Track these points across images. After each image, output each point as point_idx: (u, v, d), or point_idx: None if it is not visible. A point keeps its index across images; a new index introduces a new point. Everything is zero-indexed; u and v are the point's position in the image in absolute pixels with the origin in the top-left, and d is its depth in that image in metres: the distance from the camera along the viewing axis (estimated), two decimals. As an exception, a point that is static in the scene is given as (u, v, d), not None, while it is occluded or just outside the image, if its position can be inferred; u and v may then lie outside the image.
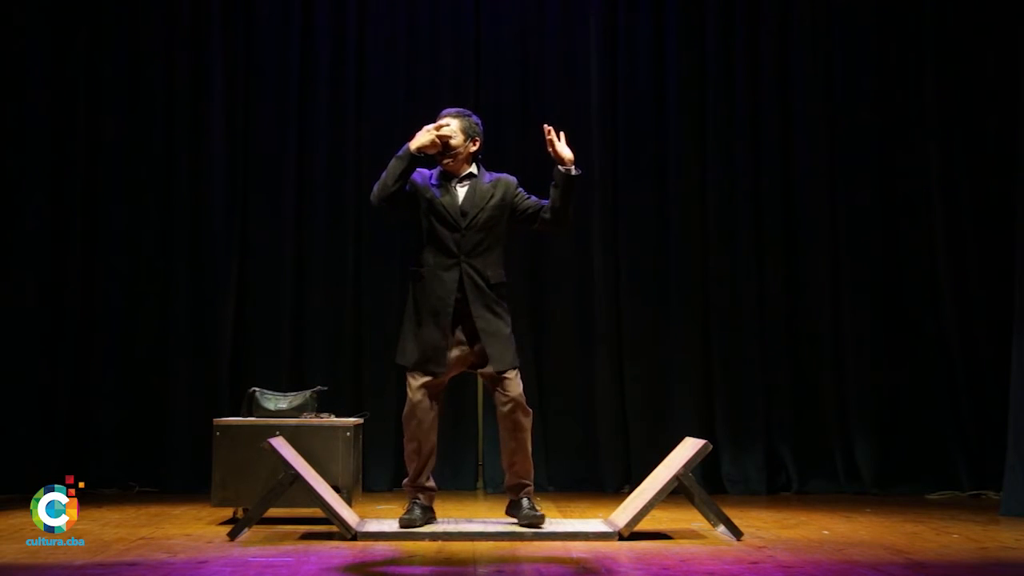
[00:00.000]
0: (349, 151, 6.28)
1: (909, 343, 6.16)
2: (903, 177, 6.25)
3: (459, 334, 4.19)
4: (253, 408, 4.74)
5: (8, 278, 5.93)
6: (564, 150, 4.21)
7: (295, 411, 4.74)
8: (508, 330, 4.21)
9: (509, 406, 4.15)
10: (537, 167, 6.12)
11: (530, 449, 4.25)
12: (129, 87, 6.18)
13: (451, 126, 4.27)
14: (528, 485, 4.26)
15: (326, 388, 4.96)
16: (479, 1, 6.39)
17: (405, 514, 4.19)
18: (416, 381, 4.17)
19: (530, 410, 4.21)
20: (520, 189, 4.33)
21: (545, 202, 4.29)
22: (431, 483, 4.27)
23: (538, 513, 4.18)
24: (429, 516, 4.24)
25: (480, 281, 4.18)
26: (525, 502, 4.22)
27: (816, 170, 6.26)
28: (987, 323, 5.99)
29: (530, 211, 4.29)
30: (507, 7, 6.41)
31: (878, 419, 6.07)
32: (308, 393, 4.83)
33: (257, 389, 4.81)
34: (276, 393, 4.83)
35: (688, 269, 6.22)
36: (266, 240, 6.21)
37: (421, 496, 4.24)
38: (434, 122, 4.29)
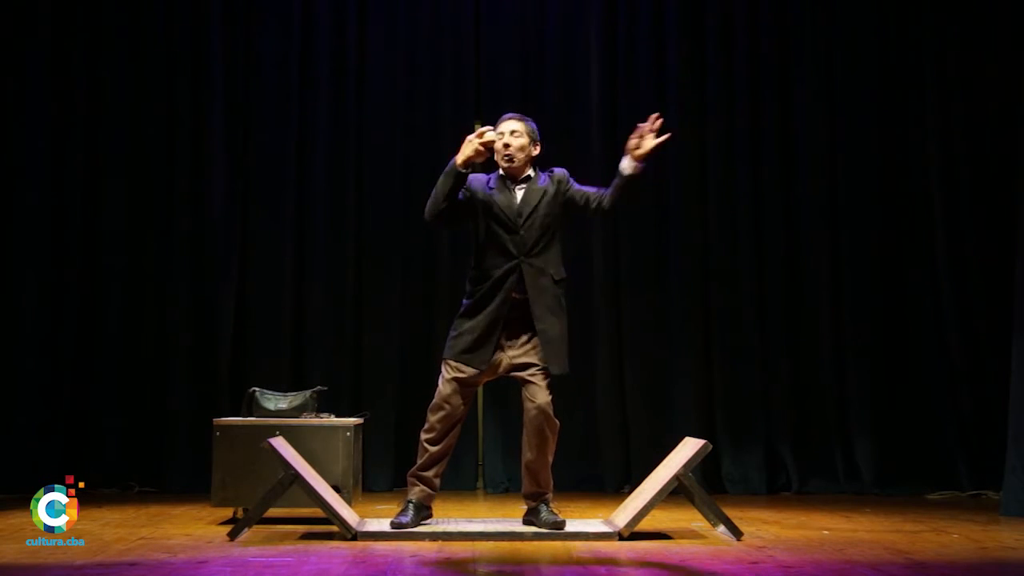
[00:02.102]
0: (349, 151, 6.29)
1: (909, 343, 6.17)
2: (904, 176, 6.26)
3: (507, 337, 4.16)
4: (253, 408, 4.74)
5: (8, 278, 5.94)
6: (651, 147, 4.19)
7: (295, 411, 4.74)
8: (564, 332, 4.20)
9: (534, 412, 4.12)
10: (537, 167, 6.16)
11: (551, 459, 4.20)
12: (129, 87, 6.18)
13: (503, 131, 4.26)
14: (546, 493, 4.23)
15: (326, 388, 4.96)
16: (479, 1, 6.39)
17: (399, 515, 4.17)
18: (449, 373, 4.15)
19: (557, 422, 4.16)
20: (571, 181, 4.32)
21: (593, 191, 4.27)
22: (437, 481, 4.24)
23: (559, 519, 4.15)
24: (424, 515, 4.21)
25: (543, 279, 4.18)
26: (543, 508, 4.19)
27: (816, 170, 6.26)
28: (987, 323, 5.99)
29: (581, 202, 4.27)
30: (507, 7, 6.41)
31: (878, 419, 6.07)
32: (308, 393, 4.83)
33: (257, 389, 4.81)
34: (276, 393, 4.82)
35: (688, 269, 6.22)
36: (266, 240, 6.21)
37: (421, 488, 4.20)
38: (474, 130, 4.25)
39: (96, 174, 6.13)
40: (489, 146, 4.15)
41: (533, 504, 4.22)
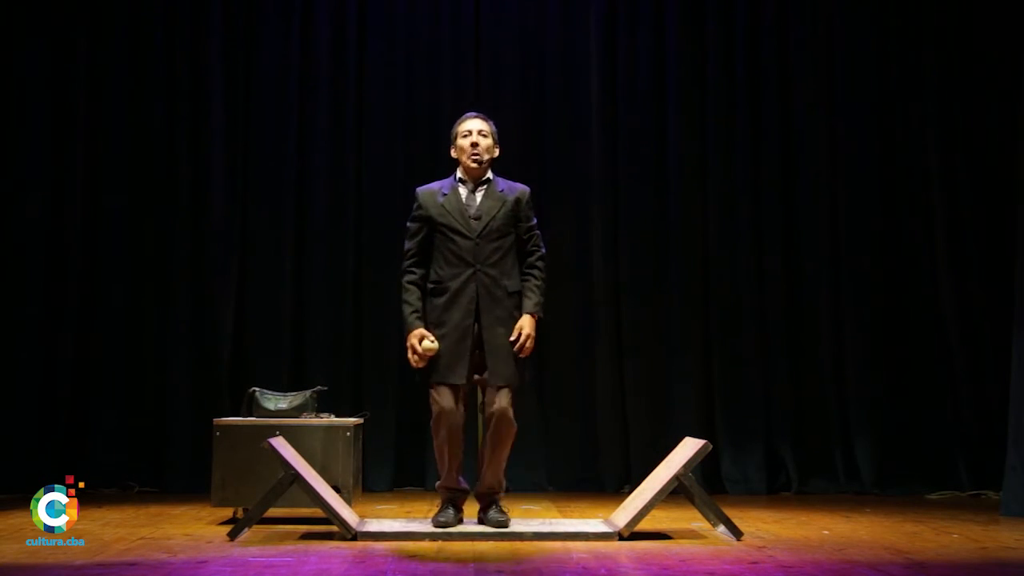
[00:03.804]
0: (349, 150, 6.28)
1: (909, 343, 6.17)
2: (904, 176, 6.25)
3: (478, 344, 4.17)
4: (253, 408, 4.74)
5: (8, 278, 5.93)
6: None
7: (295, 411, 4.74)
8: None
9: (493, 417, 4.14)
10: (537, 167, 6.16)
11: (504, 462, 4.23)
12: (129, 87, 6.19)
13: (470, 130, 4.27)
14: (498, 492, 4.27)
15: (326, 388, 4.96)
16: (479, 2, 6.39)
17: (439, 515, 4.21)
18: (438, 391, 4.16)
19: (515, 426, 4.17)
20: (528, 204, 4.30)
21: (532, 242, 4.27)
22: (463, 484, 4.29)
23: (504, 518, 4.18)
24: (460, 517, 4.26)
25: (497, 291, 4.17)
26: (492, 507, 4.24)
27: (816, 170, 6.26)
28: (987, 323, 5.99)
29: (521, 236, 4.27)
30: (507, 8, 6.41)
31: (878, 419, 6.07)
32: (308, 393, 4.83)
33: (257, 389, 4.81)
34: (276, 393, 4.82)
35: (688, 270, 6.22)
36: (266, 240, 6.21)
37: (454, 496, 4.27)
38: (454, 140, 4.32)
39: (96, 174, 6.13)
40: (428, 356, 4.13)
41: (484, 503, 4.27)
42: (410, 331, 4.15)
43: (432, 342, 4.11)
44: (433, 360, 4.13)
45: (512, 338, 4.14)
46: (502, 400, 4.13)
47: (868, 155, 6.25)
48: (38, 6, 6.06)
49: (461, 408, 4.17)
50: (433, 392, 4.17)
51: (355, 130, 6.30)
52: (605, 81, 6.32)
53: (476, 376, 4.19)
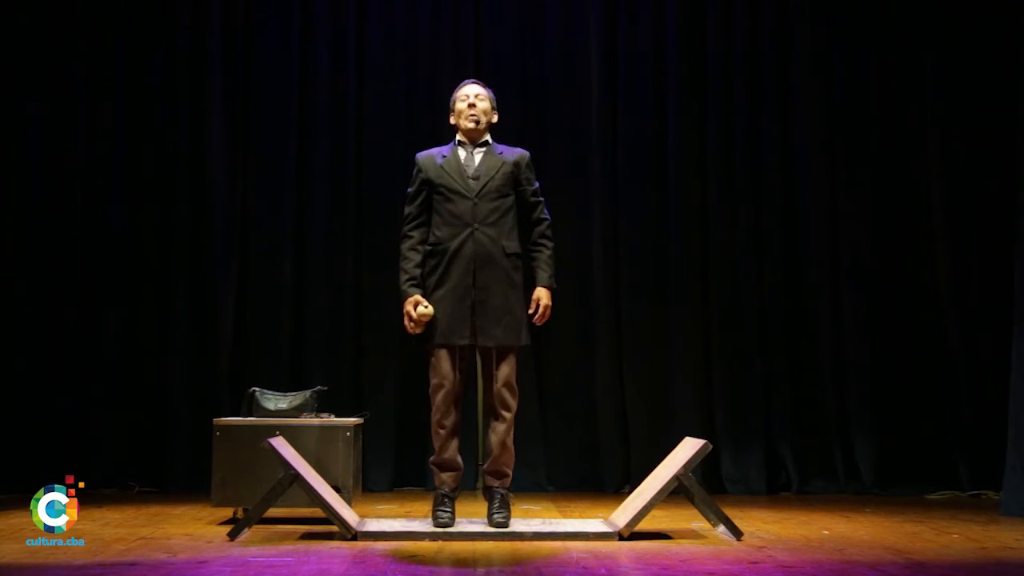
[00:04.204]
0: (349, 151, 6.28)
1: (909, 343, 6.16)
2: (903, 176, 6.25)
3: (472, 303, 4.21)
4: (253, 408, 4.74)
5: (8, 278, 5.93)
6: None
7: (295, 411, 4.74)
8: (510, 304, 4.21)
9: (494, 384, 4.21)
10: (537, 167, 6.15)
11: (510, 439, 4.28)
12: (129, 88, 6.18)
13: (467, 94, 4.40)
14: (504, 479, 4.31)
15: (326, 388, 4.96)
16: (479, 1, 6.39)
17: (438, 511, 4.20)
18: (437, 356, 4.21)
19: (516, 392, 4.25)
20: (532, 170, 4.40)
21: (539, 208, 4.36)
22: (458, 460, 4.30)
23: (503, 517, 4.19)
24: (454, 496, 4.29)
25: (494, 249, 4.21)
26: (498, 501, 4.25)
27: (816, 169, 6.26)
28: (987, 323, 5.98)
29: (527, 204, 4.34)
30: (507, 7, 6.41)
31: (878, 419, 6.07)
32: (308, 393, 4.83)
33: (257, 389, 4.81)
34: (276, 393, 4.83)
35: (688, 269, 6.22)
36: (266, 240, 6.21)
37: (448, 474, 4.27)
38: (452, 105, 4.44)
39: (95, 174, 6.13)
40: (424, 321, 4.18)
41: (492, 485, 4.30)
42: (405, 298, 4.20)
43: (427, 307, 4.15)
44: (431, 324, 4.18)
45: (531, 311, 4.24)
46: (503, 368, 4.20)
47: (868, 156, 6.25)
48: (39, 4, 6.06)
49: (458, 375, 4.22)
50: (432, 359, 4.22)
51: (355, 130, 6.30)
52: (605, 81, 6.32)
53: (476, 342, 4.22)
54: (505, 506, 4.24)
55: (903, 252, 6.23)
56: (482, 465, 4.46)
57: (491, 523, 4.17)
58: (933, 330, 6.12)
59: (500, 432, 4.26)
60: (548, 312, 4.26)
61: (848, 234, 6.21)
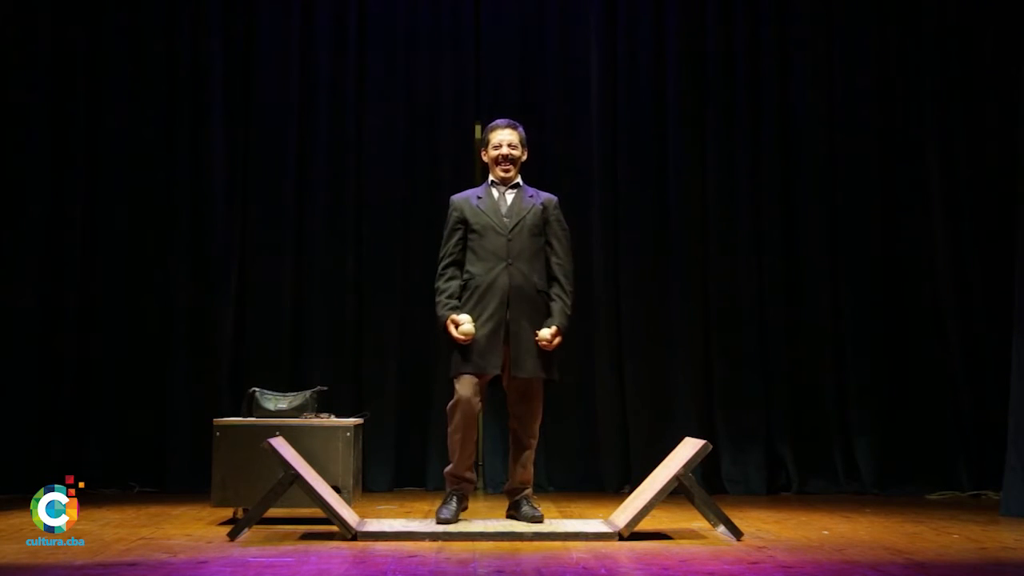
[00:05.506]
0: (349, 151, 6.28)
1: (909, 343, 6.17)
2: (903, 176, 6.26)
3: (504, 335, 4.31)
4: (253, 408, 4.74)
5: (8, 278, 5.93)
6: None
7: (295, 411, 4.74)
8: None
9: (523, 408, 4.38)
10: (537, 168, 6.16)
11: (532, 459, 4.49)
12: (130, 87, 6.19)
13: (500, 142, 4.48)
14: (528, 488, 4.46)
15: (326, 388, 4.96)
16: (479, 1, 6.39)
17: (443, 508, 4.28)
18: (460, 381, 4.29)
19: (538, 432, 4.43)
20: (557, 210, 4.49)
21: (562, 250, 4.44)
22: (471, 474, 4.41)
23: (538, 512, 4.35)
24: (464, 506, 4.38)
25: (526, 285, 4.32)
26: (525, 503, 4.41)
27: (816, 169, 6.26)
28: (987, 323, 5.99)
29: (559, 242, 4.45)
30: (507, 7, 6.41)
31: (878, 419, 6.07)
32: (308, 393, 4.83)
33: (257, 389, 4.81)
34: (276, 393, 4.82)
35: (688, 269, 6.22)
36: (266, 240, 6.21)
37: (461, 487, 4.36)
38: (485, 145, 4.52)
39: (96, 174, 6.13)
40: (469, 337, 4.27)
41: (515, 498, 4.45)
42: (444, 320, 4.29)
43: (469, 323, 4.24)
44: (466, 350, 4.25)
45: (543, 341, 4.31)
46: (533, 400, 4.35)
47: (868, 155, 6.25)
48: (39, 7, 6.06)
49: (479, 400, 4.30)
50: (456, 382, 4.30)
51: (355, 131, 6.30)
52: (605, 81, 6.32)
53: (504, 374, 4.34)
54: (534, 504, 4.39)
55: (903, 252, 6.23)
56: (503, 486, 4.65)
57: (526, 518, 4.30)
58: (933, 331, 6.13)
59: (525, 458, 4.42)
60: (557, 341, 4.32)
61: (848, 234, 6.21)
